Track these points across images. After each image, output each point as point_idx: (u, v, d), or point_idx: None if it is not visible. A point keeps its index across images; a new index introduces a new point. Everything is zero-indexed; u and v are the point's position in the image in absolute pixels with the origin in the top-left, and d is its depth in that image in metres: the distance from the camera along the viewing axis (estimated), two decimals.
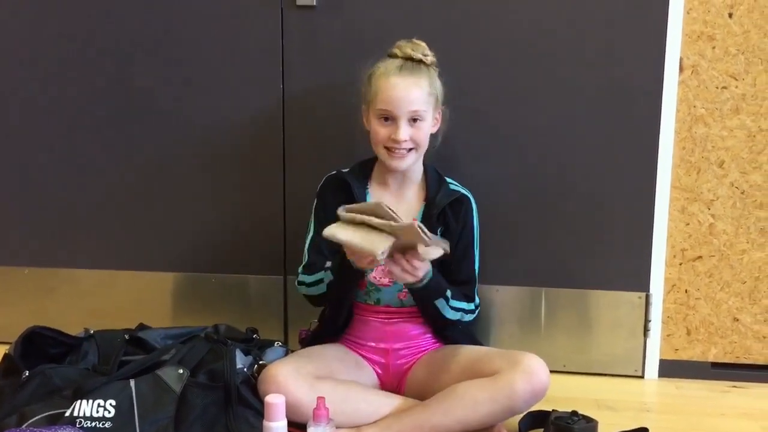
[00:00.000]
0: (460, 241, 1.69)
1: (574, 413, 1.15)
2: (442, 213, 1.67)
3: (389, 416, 1.52)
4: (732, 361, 2.00)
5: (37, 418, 1.38)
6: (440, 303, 1.60)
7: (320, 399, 1.34)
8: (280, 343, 1.68)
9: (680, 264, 1.98)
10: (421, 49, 1.65)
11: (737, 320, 1.98)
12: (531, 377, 1.46)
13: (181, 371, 1.44)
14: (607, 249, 1.97)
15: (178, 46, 2.00)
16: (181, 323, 1.88)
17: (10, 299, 2.16)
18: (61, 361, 1.58)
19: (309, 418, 1.35)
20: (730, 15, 1.88)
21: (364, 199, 1.70)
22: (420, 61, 1.64)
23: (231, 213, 2.06)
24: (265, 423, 1.32)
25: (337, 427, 1.39)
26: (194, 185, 2.06)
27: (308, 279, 1.66)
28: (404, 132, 1.61)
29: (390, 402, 1.56)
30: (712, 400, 1.88)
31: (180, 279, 2.10)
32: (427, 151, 1.71)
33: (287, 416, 1.36)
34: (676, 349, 2.01)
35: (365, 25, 1.93)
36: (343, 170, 1.76)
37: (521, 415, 1.55)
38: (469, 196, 1.74)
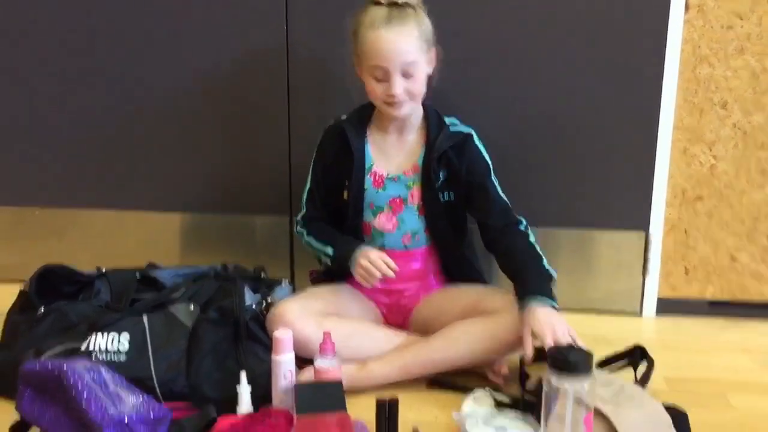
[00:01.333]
0: (472, 180, 1.68)
1: (570, 345, 1.19)
2: (443, 156, 1.67)
3: (392, 351, 1.57)
4: (729, 299, 2.05)
5: (53, 351, 1.43)
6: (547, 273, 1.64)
7: (326, 334, 1.39)
8: (286, 282, 1.71)
9: (680, 204, 2.00)
10: None
11: (735, 259, 2.02)
12: None
13: (192, 307, 1.48)
14: (609, 189, 2.00)
15: None
16: (189, 263, 1.91)
17: (21, 239, 2.21)
18: (75, 299, 1.62)
19: (316, 353, 1.40)
20: None
21: (362, 151, 1.70)
22: (405, 5, 1.57)
23: (237, 153, 2.09)
24: (274, 357, 1.38)
25: (342, 362, 1.44)
26: (201, 126, 2.08)
27: (313, 243, 1.71)
28: (398, 86, 1.57)
29: (394, 338, 1.61)
30: (709, 336, 1.93)
31: (188, 219, 2.14)
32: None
33: (296, 353, 1.41)
34: (675, 288, 2.06)
35: None
36: (343, 117, 1.74)
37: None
38: (471, 133, 1.71)
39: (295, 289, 1.75)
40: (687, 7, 1.89)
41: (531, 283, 1.55)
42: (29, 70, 2.11)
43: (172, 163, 2.11)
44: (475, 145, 1.70)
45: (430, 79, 1.67)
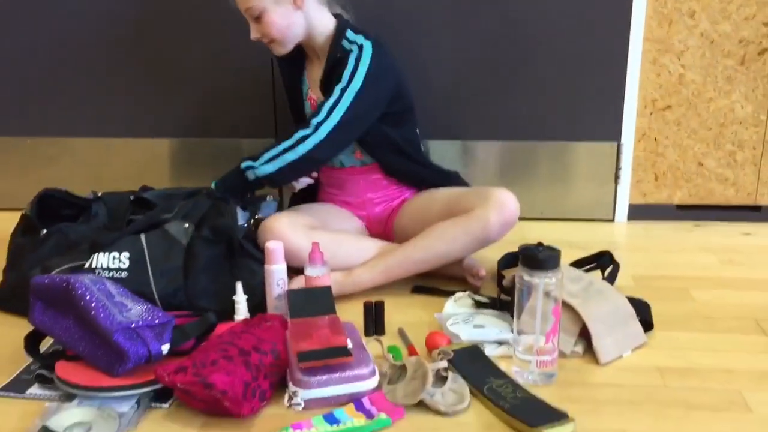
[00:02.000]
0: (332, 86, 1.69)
1: (540, 244, 1.28)
2: (332, 73, 1.70)
3: (376, 257, 1.66)
4: (696, 203, 2.15)
5: (59, 269, 1.51)
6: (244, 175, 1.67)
7: (315, 244, 1.48)
8: (271, 197, 1.77)
9: (651, 114, 2.08)
10: None
11: (702, 165, 2.11)
12: (502, 209, 1.58)
13: (186, 225, 1.55)
14: (581, 101, 2.07)
15: None
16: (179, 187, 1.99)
17: (15, 169, 2.27)
18: (73, 222, 1.68)
19: (306, 263, 1.49)
20: None
21: (298, 81, 1.81)
22: None
23: (223, 78, 2.13)
24: (267, 266, 1.46)
25: (331, 271, 1.54)
26: (187, 52, 2.12)
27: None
28: (252, 32, 1.69)
29: (376, 245, 1.71)
30: (676, 238, 2.05)
31: (175, 144, 2.20)
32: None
33: (288, 264, 1.50)
34: (645, 194, 2.16)
35: None
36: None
37: (500, 257, 1.70)
38: (361, 45, 1.68)
39: (282, 206, 1.82)
40: None
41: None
42: (15, 3, 2.12)
43: (160, 89, 2.16)
44: (352, 58, 1.67)
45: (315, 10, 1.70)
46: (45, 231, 1.58)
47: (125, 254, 1.51)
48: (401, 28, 2.01)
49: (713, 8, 1.97)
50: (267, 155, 1.64)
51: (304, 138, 1.63)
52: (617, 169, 2.11)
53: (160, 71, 2.14)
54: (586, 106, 2.07)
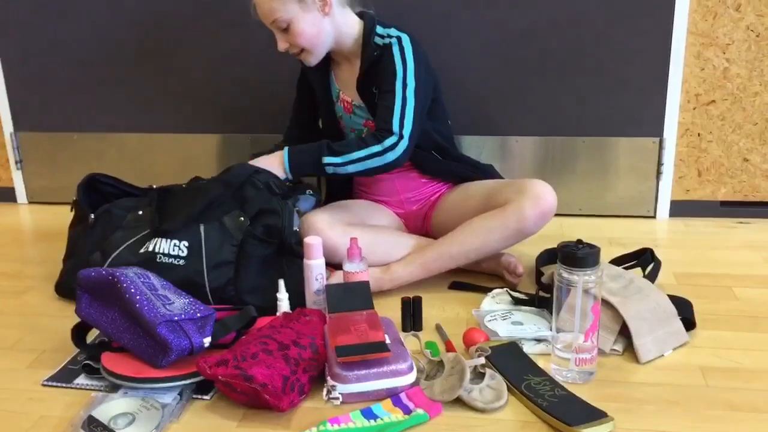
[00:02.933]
0: (381, 85, 1.68)
1: (579, 241, 1.27)
2: (370, 72, 1.69)
3: (413, 252, 1.67)
4: (740, 200, 2.11)
5: (119, 250, 1.56)
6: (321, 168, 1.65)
7: (353, 240, 1.49)
8: (310, 192, 1.76)
9: (694, 108, 2.05)
10: None
11: (747, 160, 2.07)
12: (538, 201, 1.57)
13: (242, 218, 1.56)
14: (623, 96, 2.04)
15: None
16: None
17: (63, 164, 2.33)
18: None
19: (344, 259, 1.51)
20: None
21: (326, 83, 1.81)
22: None
23: (260, 75, 2.15)
24: (306, 261, 1.48)
25: (369, 266, 1.55)
26: (230, 50, 2.15)
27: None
28: (280, 43, 1.68)
29: (413, 241, 1.71)
30: (719, 235, 2.01)
31: (219, 140, 2.23)
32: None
33: (326, 259, 1.51)
34: (687, 190, 2.12)
35: None
36: None
37: (538, 253, 1.70)
38: (397, 37, 1.68)
39: (319, 200, 1.81)
40: None
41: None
42: (57, 2, 2.18)
43: (202, 86, 2.19)
44: (393, 53, 1.67)
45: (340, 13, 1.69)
46: (92, 216, 1.63)
47: (185, 243, 1.54)
48: (438, 21, 2.01)
49: (760, 0, 1.93)
50: (351, 156, 1.62)
51: (393, 146, 1.62)
52: (659, 164, 2.08)
53: (203, 69, 2.18)
54: (628, 100, 2.04)
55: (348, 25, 1.72)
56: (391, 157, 1.62)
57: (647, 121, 2.05)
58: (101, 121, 2.27)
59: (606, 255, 1.58)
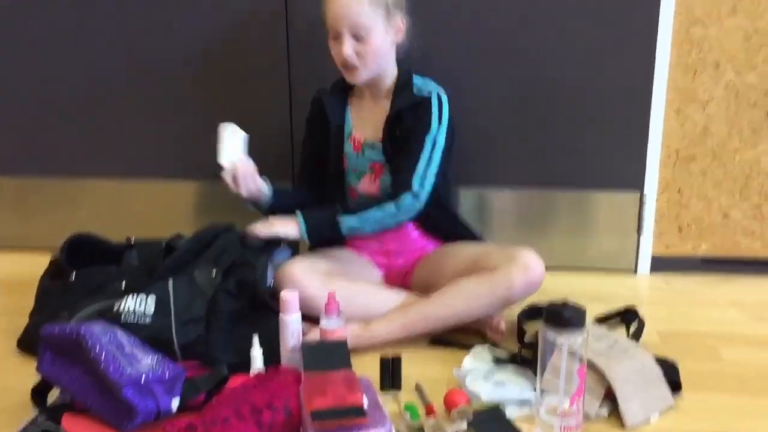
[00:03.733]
0: (409, 135, 1.68)
1: (565, 302, 1.24)
2: (399, 118, 1.68)
3: (394, 310, 1.63)
4: (721, 256, 2.10)
5: (85, 311, 1.48)
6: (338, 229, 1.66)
7: (331, 294, 1.44)
8: (285, 244, 1.72)
9: (674, 164, 2.04)
10: None
11: (727, 217, 2.06)
12: (527, 270, 1.55)
13: (213, 272, 1.51)
14: (604, 150, 2.03)
15: None
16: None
17: (33, 210, 2.26)
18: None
19: (321, 314, 1.46)
20: None
21: (342, 118, 1.77)
22: None
23: (239, 121, 2.11)
24: (282, 316, 1.43)
25: (347, 321, 1.50)
26: (203, 95, 2.11)
27: None
28: (347, 47, 1.62)
29: (396, 297, 1.67)
30: (702, 292, 1.99)
31: (197, 187, 2.18)
32: (402, 59, 1.74)
33: (303, 311, 1.46)
34: (668, 246, 2.11)
35: None
36: (328, 87, 1.81)
37: (520, 309, 1.66)
38: (437, 94, 1.70)
39: (298, 251, 1.78)
40: None
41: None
42: (34, 42, 2.13)
43: (183, 131, 2.15)
44: (431, 107, 1.67)
45: (399, 47, 1.71)
46: (74, 275, 1.57)
47: (152, 298, 1.48)
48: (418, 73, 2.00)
49: (739, 59, 1.95)
50: (370, 217, 1.64)
51: (409, 206, 1.64)
52: (640, 219, 2.07)
53: (175, 113, 2.14)
54: (608, 155, 2.04)
55: (393, 63, 1.73)
56: (404, 216, 1.65)
57: (628, 176, 2.05)
58: (74, 166, 2.22)
59: (588, 312, 1.54)
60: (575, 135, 2.03)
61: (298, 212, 1.65)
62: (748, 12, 1.92)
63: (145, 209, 2.20)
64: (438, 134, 1.66)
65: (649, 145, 2.02)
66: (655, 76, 1.96)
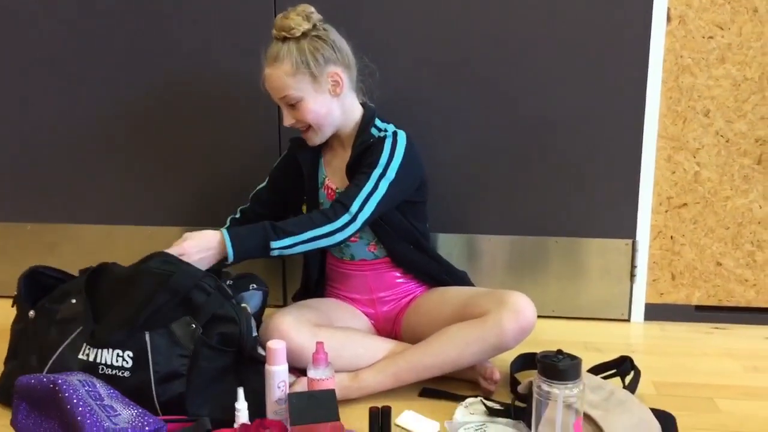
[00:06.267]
0: (363, 166, 1.65)
1: (559, 351, 1.20)
2: (357, 162, 1.66)
3: (384, 359, 1.58)
4: (715, 304, 2.08)
5: (56, 354, 1.41)
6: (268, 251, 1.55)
7: (319, 344, 1.40)
8: (254, 286, 1.64)
9: (666, 211, 2.03)
10: (286, 25, 1.60)
11: (720, 264, 2.05)
12: (518, 315, 1.51)
13: (193, 326, 1.43)
14: (595, 197, 2.02)
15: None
16: None
17: (14, 255, 2.22)
18: None
19: (309, 364, 1.41)
20: None
21: (315, 167, 1.76)
22: (284, 39, 1.61)
23: (226, 167, 2.10)
24: (267, 367, 1.38)
25: (336, 371, 1.46)
26: (189, 141, 2.10)
27: None
28: (286, 118, 1.66)
29: (386, 346, 1.63)
30: (696, 341, 1.96)
31: (179, 233, 2.13)
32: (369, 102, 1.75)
33: (291, 363, 1.42)
34: (662, 293, 2.08)
35: None
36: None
37: (513, 358, 1.62)
38: (393, 132, 1.67)
39: (266, 294, 1.68)
40: (669, 19, 1.93)
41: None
42: (18, 88, 2.12)
43: (163, 177, 2.13)
44: (384, 145, 1.65)
45: (344, 98, 1.68)
46: (32, 312, 1.49)
47: (128, 353, 1.41)
48: (407, 121, 1.98)
49: (728, 107, 1.96)
50: (300, 238, 1.54)
51: (344, 227, 1.57)
52: (632, 267, 2.05)
53: (163, 159, 2.12)
54: (600, 202, 2.03)
55: (353, 111, 1.71)
56: (339, 237, 1.57)
57: (619, 223, 2.03)
58: (56, 212, 2.18)
59: (582, 360, 1.51)
60: (567, 182, 2.02)
61: (223, 230, 1.54)
62: (737, 60, 1.93)
63: (128, 254, 2.15)
64: (388, 165, 1.62)
65: (640, 192, 2.01)
66: (645, 123, 1.97)
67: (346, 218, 1.57)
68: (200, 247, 1.52)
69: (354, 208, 1.58)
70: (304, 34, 1.62)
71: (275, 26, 1.63)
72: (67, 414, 1.15)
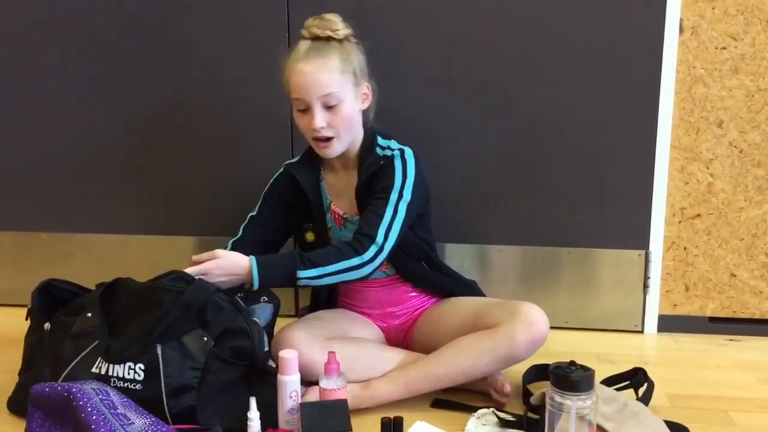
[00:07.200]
0: (379, 191, 1.62)
1: (572, 363, 1.20)
2: (367, 186, 1.64)
3: (396, 369, 1.58)
4: (729, 316, 2.06)
5: (70, 367, 1.41)
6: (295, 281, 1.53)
7: (331, 354, 1.40)
8: (265, 299, 1.64)
9: (679, 222, 2.02)
10: (329, 25, 1.57)
11: (734, 276, 2.03)
12: (530, 326, 1.50)
13: (205, 339, 1.43)
14: (608, 208, 2.02)
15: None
16: None
17: (28, 264, 2.23)
18: None
19: (321, 374, 1.42)
20: None
21: (318, 193, 1.71)
22: (329, 38, 1.57)
23: (240, 176, 2.11)
24: (279, 377, 1.38)
25: (348, 382, 1.45)
26: (202, 151, 2.11)
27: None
28: (320, 119, 1.56)
29: (397, 356, 1.62)
30: (710, 353, 1.95)
31: (194, 243, 2.16)
32: (366, 124, 1.69)
33: (303, 376, 1.42)
34: (675, 305, 2.07)
35: None
36: (293, 160, 1.76)
37: (525, 369, 1.62)
38: (400, 152, 1.64)
39: (277, 306, 1.68)
40: (681, 30, 1.92)
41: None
42: (29, 98, 2.15)
43: (178, 186, 2.14)
44: (394, 166, 1.62)
45: (365, 114, 1.67)
46: (48, 325, 1.51)
47: (140, 365, 1.41)
48: (417, 130, 1.99)
49: (741, 118, 1.95)
50: (328, 269, 1.52)
51: (372, 259, 1.55)
52: (646, 278, 2.04)
53: (178, 169, 2.13)
54: (613, 212, 2.02)
55: (360, 130, 1.68)
56: (368, 270, 1.55)
57: (632, 233, 2.03)
58: (70, 221, 2.20)
59: (595, 372, 1.50)
60: (579, 192, 2.02)
61: (252, 258, 1.52)
62: (750, 71, 1.93)
63: (141, 264, 2.17)
64: (404, 188, 1.60)
65: (653, 202, 2.00)
66: (658, 134, 1.96)
67: (373, 250, 1.55)
68: (226, 270, 1.51)
69: (380, 238, 1.56)
70: (347, 39, 1.60)
71: (312, 26, 1.58)
72: (81, 422, 1.15)
